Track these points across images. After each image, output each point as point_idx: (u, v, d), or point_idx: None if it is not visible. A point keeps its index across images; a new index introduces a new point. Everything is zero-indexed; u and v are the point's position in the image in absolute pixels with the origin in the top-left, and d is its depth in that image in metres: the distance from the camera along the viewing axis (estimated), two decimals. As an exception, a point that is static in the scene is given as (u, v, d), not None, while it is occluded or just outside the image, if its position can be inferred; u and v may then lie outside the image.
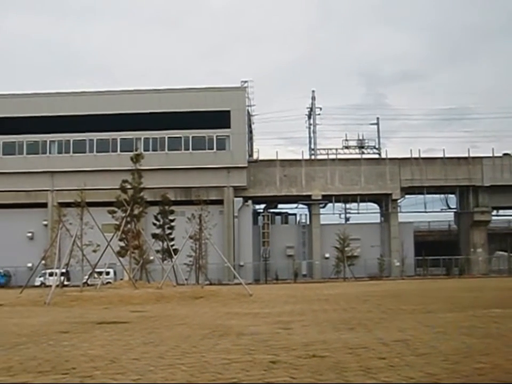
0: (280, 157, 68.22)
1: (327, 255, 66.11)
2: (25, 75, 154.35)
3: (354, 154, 72.10)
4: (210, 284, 44.11)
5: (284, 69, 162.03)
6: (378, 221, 71.84)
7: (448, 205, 71.52)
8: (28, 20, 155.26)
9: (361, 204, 69.64)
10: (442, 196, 71.11)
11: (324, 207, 70.48)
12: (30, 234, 64.89)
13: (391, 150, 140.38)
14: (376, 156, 72.21)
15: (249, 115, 69.59)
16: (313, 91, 75.05)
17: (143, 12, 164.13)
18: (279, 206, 74.81)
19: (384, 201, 69.23)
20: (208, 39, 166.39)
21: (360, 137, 72.92)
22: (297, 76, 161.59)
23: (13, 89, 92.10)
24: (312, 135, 75.12)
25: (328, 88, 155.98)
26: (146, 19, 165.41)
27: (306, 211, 71.68)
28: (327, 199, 68.62)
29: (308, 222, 70.63)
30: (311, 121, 75.48)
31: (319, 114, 74.69)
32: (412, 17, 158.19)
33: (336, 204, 69.71)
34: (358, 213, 70.54)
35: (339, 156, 70.75)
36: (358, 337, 11.86)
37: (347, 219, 72.23)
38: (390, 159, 68.85)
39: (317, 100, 75.25)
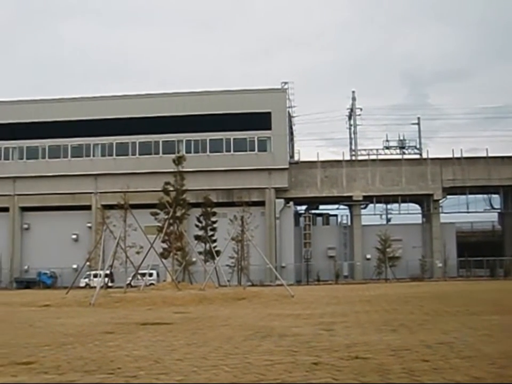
0: (321, 158, 68.03)
1: (368, 256, 65.66)
2: (74, 79, 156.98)
3: (395, 154, 71.48)
4: (252, 285, 44.30)
5: (325, 70, 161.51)
6: (420, 221, 71.06)
7: (491, 205, 70.28)
8: (80, 27, 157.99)
9: (402, 205, 68.96)
10: (485, 196, 69.93)
11: (365, 208, 70.03)
12: (74, 236, 65.87)
13: (433, 150, 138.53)
14: (417, 156, 71.41)
15: (290, 116, 69.52)
16: (353, 92, 74.69)
17: (189, 16, 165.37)
18: (320, 207, 74.59)
19: (425, 201, 68.43)
20: (250, 41, 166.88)
21: (401, 138, 72.26)
22: (339, 77, 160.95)
23: (62, 94, 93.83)
24: (352, 135, 74.70)
25: (370, 88, 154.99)
26: (192, 23, 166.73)
27: (347, 212, 71.37)
28: (368, 199, 68.17)
29: (349, 223, 70.26)
30: (352, 122, 75.10)
31: (359, 115, 74.28)
32: (456, 15, 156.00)
33: (377, 205, 69.17)
34: (399, 214, 69.90)
35: (380, 157, 70.24)
36: (400, 339, 11.77)
37: (388, 220, 71.63)
38: (432, 159, 68.00)
39: (359, 100, 74.87)
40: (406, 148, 72.10)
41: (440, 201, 67.79)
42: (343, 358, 9.46)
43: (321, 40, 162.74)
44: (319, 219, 71.91)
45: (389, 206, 70.93)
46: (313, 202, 71.39)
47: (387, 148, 72.03)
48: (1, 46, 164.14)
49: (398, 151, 71.95)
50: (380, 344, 11.01)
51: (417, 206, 71.50)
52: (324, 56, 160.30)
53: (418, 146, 72.51)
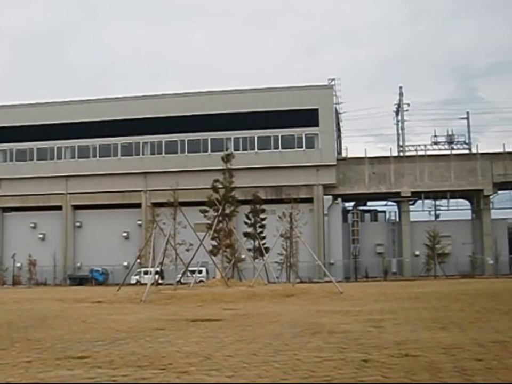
0: (369, 154, 67.68)
1: (417, 253, 65.00)
2: (124, 79, 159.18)
3: (443, 150, 70.53)
4: (301, 282, 44.25)
5: (372, 65, 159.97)
6: (470, 217, 69.97)
7: (546, 200, 68.77)
8: (126, 27, 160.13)
9: (451, 201, 68.20)
10: (538, 190, 68.45)
11: (413, 204, 69.37)
12: (125, 234, 66.85)
13: (483, 145, 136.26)
14: (467, 151, 70.30)
15: (337, 113, 69.24)
16: (400, 87, 73.98)
17: (236, 15, 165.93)
18: (368, 203, 74.16)
19: (475, 197, 67.41)
20: (297, 39, 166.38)
21: (450, 133, 71.22)
22: (386, 72, 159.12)
23: (112, 94, 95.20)
24: (400, 131, 73.99)
25: (418, 83, 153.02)
26: (239, 22, 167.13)
27: (395, 208, 70.88)
28: (416, 196, 67.49)
29: (397, 219, 69.74)
30: (399, 117, 74.38)
31: (406, 110, 73.58)
32: (507, 6, 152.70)
33: (426, 201, 68.55)
34: (448, 210, 69.07)
35: (428, 152, 69.43)
36: (451, 337, 11.62)
37: (437, 216, 70.75)
38: (482, 154, 66.87)
39: (406, 96, 74.21)
40: (455, 143, 71.11)
41: (491, 196, 66.67)
42: (393, 355, 9.39)
43: (368, 36, 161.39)
44: (367, 215, 71.57)
45: (437, 202, 70.16)
46: (361, 199, 71.04)
47: (435, 143, 71.18)
48: (52, 48, 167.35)
49: (446, 146, 71.08)
50: (430, 342, 10.90)
51: (466, 202, 70.51)
52: (371, 51, 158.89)
53: (467, 141, 71.50)
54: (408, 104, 73.60)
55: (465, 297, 25.25)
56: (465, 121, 72.58)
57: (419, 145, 71.09)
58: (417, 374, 7.82)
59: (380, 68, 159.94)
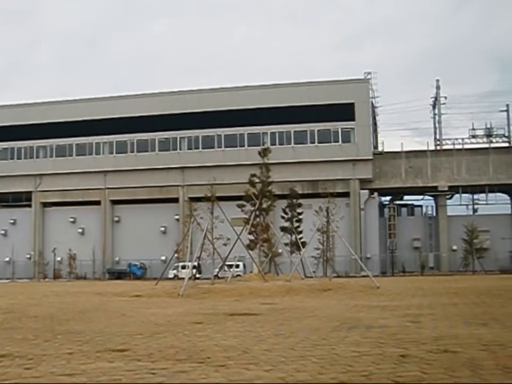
0: (406, 148, 67.07)
1: (454, 247, 64.27)
2: (162, 75, 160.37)
3: (481, 143, 69.49)
4: (338, 276, 44.10)
5: (409, 58, 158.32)
6: (509, 212, 68.84)
7: None
8: (166, 23, 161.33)
9: (490, 195, 67.17)
10: None
11: (450, 198, 68.56)
12: (163, 229, 67.36)
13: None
14: (506, 145, 69.17)
15: (373, 107, 68.76)
16: (437, 80, 73.18)
17: (274, 8, 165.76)
18: (405, 197, 73.58)
19: (515, 191, 66.32)
20: (338, 31, 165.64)
21: (488, 126, 70.14)
22: (423, 65, 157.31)
23: (151, 89, 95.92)
24: (437, 125, 73.14)
25: (456, 76, 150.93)
26: (277, 14, 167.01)
27: (432, 202, 70.23)
28: (454, 190, 66.67)
29: (434, 214, 69.05)
30: (436, 111, 73.53)
31: (444, 103, 72.77)
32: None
33: (463, 195, 67.66)
34: (487, 204, 68.02)
35: (466, 146, 68.48)
36: (492, 333, 11.48)
37: (475, 210, 69.76)
38: (522, 147, 65.78)
39: (444, 89, 73.67)
40: (494, 136, 70.00)
41: (531, 190, 65.57)
42: (432, 351, 9.31)
43: (406, 28, 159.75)
44: (404, 210, 71.01)
45: (475, 196, 69.19)
46: (397, 193, 70.53)
47: (473, 136, 70.20)
48: (94, 44, 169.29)
49: (485, 139, 69.99)
50: (470, 338, 10.77)
51: (506, 196, 69.42)
52: (410, 43, 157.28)
53: (507, 134, 70.29)
54: (446, 97, 73.01)
55: (506, 293, 24.92)
56: (505, 114, 71.49)
57: (456, 139, 70.29)
58: (457, 371, 7.71)
59: (418, 61, 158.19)
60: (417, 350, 9.46)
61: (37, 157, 71.49)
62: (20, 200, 72.19)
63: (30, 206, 71.62)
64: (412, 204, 72.86)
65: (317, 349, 9.76)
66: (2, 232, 72.03)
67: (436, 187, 65.87)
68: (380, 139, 72.27)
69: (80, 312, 18.10)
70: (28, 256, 69.51)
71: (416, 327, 12.88)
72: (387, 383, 7.15)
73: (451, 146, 69.13)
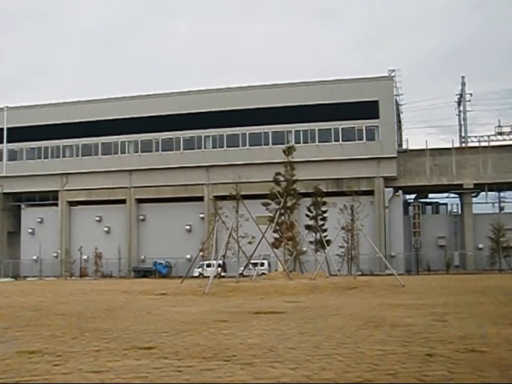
0: (431, 146, 66.56)
1: (480, 246, 63.68)
2: (186, 74, 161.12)
3: (508, 140, 68.70)
4: (362, 275, 44.00)
5: (434, 55, 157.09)
6: (537, 210, 68.07)
7: None
8: (191, 22, 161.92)
9: (516, 192, 66.35)
10: None
11: (476, 196, 67.96)
12: (188, 227, 67.64)
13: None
14: (534, 141, 68.35)
15: (397, 104, 68.39)
16: (462, 77, 72.51)
17: (297, 6, 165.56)
18: (430, 195, 73.10)
19: (542, 189, 65.50)
20: (358, 30, 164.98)
21: (515, 122, 69.30)
22: (448, 62, 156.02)
23: (175, 88, 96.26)
24: (462, 122, 72.52)
25: (482, 73, 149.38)
26: (301, 12, 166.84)
27: (457, 200, 69.64)
28: (480, 187, 66.04)
29: (460, 212, 68.44)
30: (461, 108, 72.88)
31: (469, 100, 72.13)
32: None
33: (490, 193, 66.99)
34: (514, 202, 67.31)
35: (492, 143, 67.79)
36: (520, 333, 11.38)
37: (501, 208, 69.05)
38: (550, 144, 64.94)
39: (470, 86, 72.84)
40: (521, 132, 69.17)
41: (559, 188, 64.72)
42: (458, 350, 9.24)
43: (431, 25, 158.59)
44: (429, 208, 70.57)
45: (502, 194, 68.54)
46: (422, 191, 70.12)
47: (499, 133, 69.35)
48: (118, 44, 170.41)
49: (511, 136, 69.15)
50: (498, 338, 10.66)
51: (533, 194, 68.59)
52: (434, 40, 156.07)
53: (535, 130, 69.41)
54: (471, 94, 72.43)
55: (534, 291, 24.65)
56: (533, 110, 70.66)
57: (482, 136, 69.60)
58: (485, 371, 7.63)
59: (443, 58, 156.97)
60: (443, 349, 9.40)
61: (63, 157, 72.22)
62: (47, 199, 73.05)
63: (56, 205, 72.39)
64: (437, 202, 72.37)
65: (342, 348, 9.77)
66: (30, 230, 72.88)
67: (461, 185, 65.28)
68: (404, 137, 72.04)
69: (107, 310, 18.25)
70: (55, 254, 70.27)
71: (442, 326, 12.81)
72: (413, 383, 7.13)
73: (476, 144, 68.52)
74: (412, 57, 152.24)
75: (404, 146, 68.73)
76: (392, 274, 33.86)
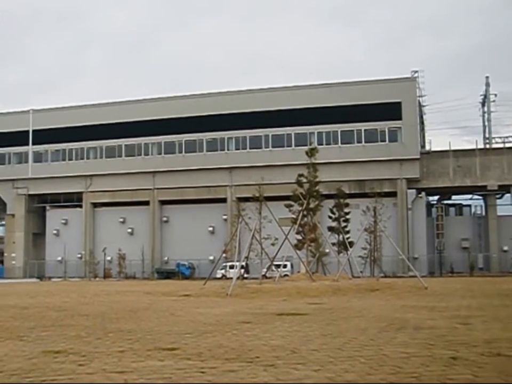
0: (455, 147, 66.01)
1: (505, 248, 63.09)
2: (210, 76, 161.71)
3: (534, 141, 67.91)
4: (385, 276, 43.81)
5: (460, 55, 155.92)
6: None
7: None
8: (215, 24, 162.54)
9: (543, 195, 65.54)
10: None
11: (500, 197, 67.27)
12: (211, 229, 67.77)
13: None
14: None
15: (420, 106, 67.97)
16: (487, 77, 71.75)
17: (321, 5, 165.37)
18: (453, 197, 72.54)
19: None
20: (385, 30, 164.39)
21: (542, 123, 68.58)
22: (473, 62, 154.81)
23: (200, 89, 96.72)
24: (486, 123, 71.86)
25: (507, 73, 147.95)
26: (324, 13, 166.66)
27: (481, 202, 68.94)
28: (504, 189, 65.35)
29: (484, 214, 67.79)
30: (485, 108, 72.20)
31: (493, 101, 71.39)
32: None
33: (515, 195, 66.20)
34: (540, 204, 66.50)
35: (517, 144, 67.04)
36: (546, 337, 11.24)
37: (527, 210, 68.25)
38: None
39: (495, 86, 72.03)
40: (547, 133, 68.38)
41: None
42: (483, 354, 9.14)
43: (456, 25, 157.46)
44: (452, 209, 70.00)
45: (527, 196, 67.69)
46: (445, 193, 69.57)
47: (525, 134, 68.52)
48: (142, 45, 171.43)
49: (538, 137, 68.36)
50: (524, 341, 10.58)
51: (560, 196, 67.70)
52: (459, 40, 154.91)
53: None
54: (495, 95, 71.64)
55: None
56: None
57: (507, 137, 68.87)
58: (511, 375, 7.56)
59: (467, 58, 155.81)
60: (468, 352, 9.32)
61: (88, 158, 72.81)
62: (71, 200, 73.69)
63: (81, 206, 72.98)
64: (460, 204, 71.77)
65: (365, 350, 9.75)
66: (55, 232, 73.56)
67: (485, 186, 64.64)
68: (427, 138, 71.55)
69: (130, 311, 18.38)
70: (79, 255, 70.84)
71: (466, 329, 12.71)
72: (437, 386, 7.10)
73: (501, 145, 67.83)
74: (435, 58, 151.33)
75: (427, 148, 68.30)
76: (415, 276, 33.71)
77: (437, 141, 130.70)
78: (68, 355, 9.49)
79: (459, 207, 70.88)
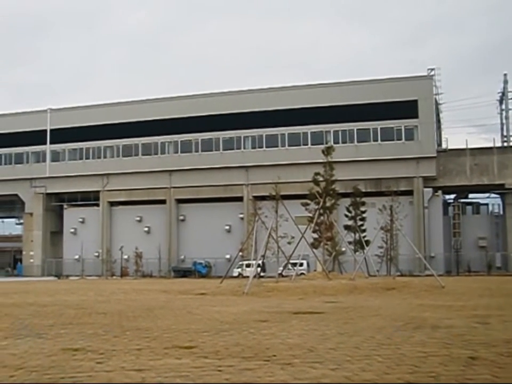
0: (472, 145, 65.52)
1: (523, 247, 62.50)
2: (227, 73, 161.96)
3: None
4: (402, 275, 43.61)
5: (474, 53, 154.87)
6: None
7: None
8: (230, 24, 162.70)
9: (562, 193, 64.78)
10: None
11: (518, 196, 66.62)
12: (227, 227, 67.79)
13: None
14: None
15: (437, 104, 67.56)
16: (505, 74, 71.07)
17: (335, 6, 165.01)
18: (470, 195, 72.06)
19: None
20: (397, 29, 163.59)
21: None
22: (491, 59, 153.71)
23: (216, 88, 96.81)
24: (504, 121, 71.26)
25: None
26: (341, 10, 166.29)
27: (499, 201, 68.35)
28: (522, 188, 64.71)
29: (501, 212, 67.25)
30: (503, 106, 71.62)
31: (511, 98, 70.72)
32: None
33: (533, 193, 65.53)
34: (559, 202, 65.74)
35: (535, 142, 66.43)
36: None
37: (545, 209, 67.50)
38: None
39: (510, 83, 71.19)
40: None
41: None
42: (503, 354, 9.08)
43: (473, 22, 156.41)
44: (469, 208, 69.42)
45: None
46: (462, 191, 69.06)
47: (543, 132, 67.92)
48: (160, 45, 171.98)
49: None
50: (544, 341, 10.48)
51: None
52: (476, 38, 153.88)
53: None
54: (513, 92, 70.90)
55: None
56: None
57: (525, 135, 68.25)
58: (532, 376, 7.48)
59: (485, 55, 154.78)
60: (487, 352, 9.26)
61: (104, 157, 73.12)
62: (88, 199, 74.01)
63: (97, 205, 73.29)
64: (477, 202, 71.23)
65: (382, 349, 9.74)
66: (72, 230, 73.98)
67: (502, 185, 64.08)
68: (444, 136, 71.05)
69: (147, 309, 18.47)
70: (96, 254, 71.18)
71: (484, 328, 12.64)
72: (456, 386, 7.06)
73: (519, 143, 67.26)
74: (452, 56, 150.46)
75: (444, 146, 67.84)
76: (432, 275, 33.52)
77: (454, 139, 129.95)
78: (86, 353, 9.58)
79: (476, 206, 70.36)
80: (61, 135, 73.69)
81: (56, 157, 75.25)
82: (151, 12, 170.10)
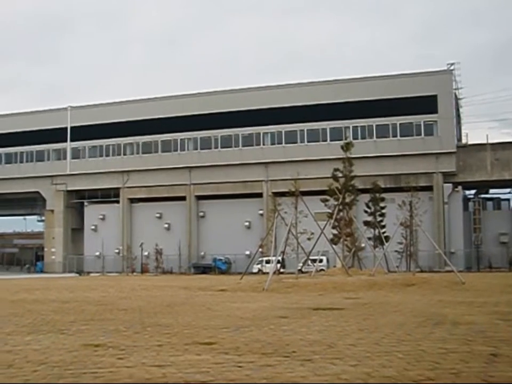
0: (493, 140, 64.90)
1: (545, 243, 61.86)
2: (246, 70, 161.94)
3: None
4: (421, 271, 43.38)
5: (498, 47, 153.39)
6: None
7: None
8: (251, 21, 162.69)
9: None
10: None
11: (540, 191, 66.04)
12: (247, 224, 67.83)
13: None
14: None
15: (456, 99, 67.03)
16: (528, 68, 70.44)
17: (360, 2, 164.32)
18: (491, 191, 71.43)
19: None
20: (422, 22, 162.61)
21: None
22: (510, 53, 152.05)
23: (235, 85, 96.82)
24: (525, 115, 70.60)
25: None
26: (362, 6, 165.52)
27: (520, 196, 67.68)
28: (544, 183, 64.05)
29: (523, 208, 66.61)
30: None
31: (533, 93, 70.08)
32: None
33: (554, 188, 64.94)
34: None
35: (559, 136, 65.74)
36: None
37: None
38: None
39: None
40: None
41: None
42: (525, 351, 9.04)
43: (493, 15, 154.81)
44: (490, 203, 68.81)
45: None
46: (482, 186, 68.47)
47: None
48: (180, 43, 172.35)
49: None
50: None
51: None
52: (496, 32, 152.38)
53: None
54: (536, 87, 70.29)
55: None
56: None
57: (547, 129, 67.63)
58: (557, 375, 7.40)
59: (505, 50, 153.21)
60: (509, 349, 9.19)
61: (124, 154, 73.46)
62: (109, 196, 74.43)
63: (118, 202, 73.66)
64: (498, 198, 70.58)
65: (402, 345, 9.72)
66: (93, 227, 74.44)
67: (524, 180, 63.53)
68: (463, 131, 70.57)
69: (168, 306, 18.57)
70: (117, 250, 71.58)
71: (506, 325, 12.55)
72: (478, 383, 7.02)
73: (541, 137, 66.65)
74: (473, 51, 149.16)
75: (464, 141, 67.37)
76: (452, 271, 33.30)
77: (474, 134, 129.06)
78: (108, 348, 9.66)
79: (497, 201, 69.74)
80: (81, 133, 74.15)
81: (76, 154, 75.76)
82: (167, 11, 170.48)
